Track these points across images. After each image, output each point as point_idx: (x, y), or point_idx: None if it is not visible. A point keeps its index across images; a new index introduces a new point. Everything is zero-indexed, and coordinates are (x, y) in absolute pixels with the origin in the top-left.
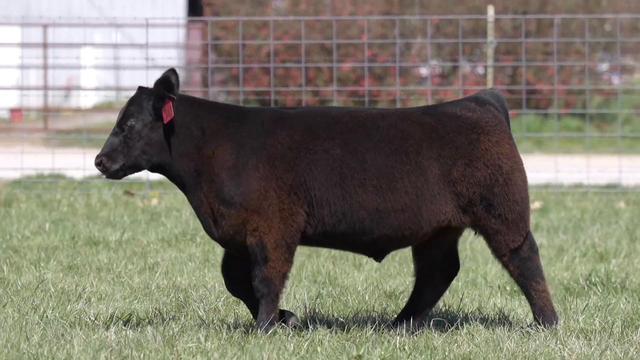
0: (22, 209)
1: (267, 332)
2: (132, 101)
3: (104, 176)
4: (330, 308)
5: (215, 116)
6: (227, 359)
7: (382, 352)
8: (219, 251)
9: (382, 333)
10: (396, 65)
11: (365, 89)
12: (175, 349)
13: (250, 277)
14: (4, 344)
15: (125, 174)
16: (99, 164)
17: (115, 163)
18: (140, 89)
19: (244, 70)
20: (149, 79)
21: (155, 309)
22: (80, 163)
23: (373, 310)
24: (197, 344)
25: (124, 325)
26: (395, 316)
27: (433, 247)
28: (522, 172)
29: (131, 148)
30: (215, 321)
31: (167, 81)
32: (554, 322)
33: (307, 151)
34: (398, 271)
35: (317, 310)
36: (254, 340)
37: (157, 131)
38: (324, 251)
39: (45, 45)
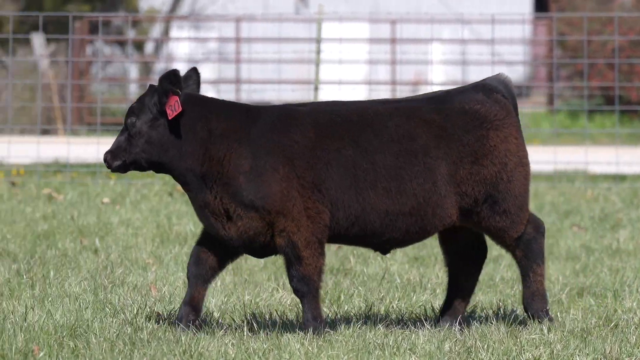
0: None
1: (318, 333)
2: (138, 99)
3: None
4: None
5: (224, 117)
6: (569, 350)
7: None
8: (562, 244)
9: None
10: None
11: None
12: (518, 340)
13: (214, 268)
14: (351, 334)
15: (128, 170)
16: (104, 160)
17: (117, 160)
18: (149, 87)
19: (588, 66)
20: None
21: (499, 300)
22: None
23: None
24: (540, 336)
25: (469, 317)
26: (439, 311)
27: (459, 237)
28: (524, 166)
29: (133, 146)
30: (558, 313)
31: (173, 75)
32: (543, 308)
33: (322, 150)
34: None
35: None
36: (596, 332)
37: (157, 129)
38: None
39: (393, 41)
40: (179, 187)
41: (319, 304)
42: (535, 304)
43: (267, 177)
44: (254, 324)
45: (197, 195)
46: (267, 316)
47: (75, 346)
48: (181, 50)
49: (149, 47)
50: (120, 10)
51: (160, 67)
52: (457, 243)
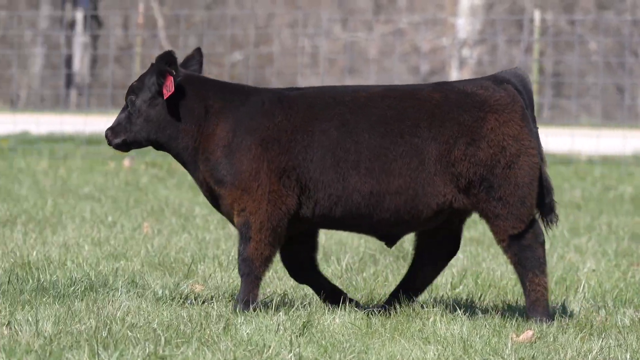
0: None
1: (241, 313)
2: (139, 77)
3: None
4: None
5: (220, 95)
6: None
7: None
8: None
9: None
10: None
11: None
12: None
13: (307, 261)
14: None
15: (130, 148)
16: (106, 136)
17: (117, 137)
18: (150, 66)
19: None
20: None
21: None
22: None
23: None
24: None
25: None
26: (389, 294)
27: (436, 227)
28: (530, 156)
29: (132, 124)
30: None
31: (169, 56)
32: (545, 319)
33: (304, 133)
34: None
35: None
36: None
37: (155, 108)
38: None
39: None
40: None
41: (254, 288)
42: (536, 313)
43: (241, 155)
44: None
45: (194, 175)
46: None
47: None
48: None
49: None
50: None
51: None
52: (433, 233)
